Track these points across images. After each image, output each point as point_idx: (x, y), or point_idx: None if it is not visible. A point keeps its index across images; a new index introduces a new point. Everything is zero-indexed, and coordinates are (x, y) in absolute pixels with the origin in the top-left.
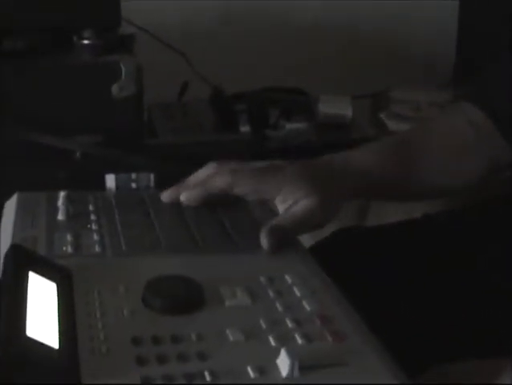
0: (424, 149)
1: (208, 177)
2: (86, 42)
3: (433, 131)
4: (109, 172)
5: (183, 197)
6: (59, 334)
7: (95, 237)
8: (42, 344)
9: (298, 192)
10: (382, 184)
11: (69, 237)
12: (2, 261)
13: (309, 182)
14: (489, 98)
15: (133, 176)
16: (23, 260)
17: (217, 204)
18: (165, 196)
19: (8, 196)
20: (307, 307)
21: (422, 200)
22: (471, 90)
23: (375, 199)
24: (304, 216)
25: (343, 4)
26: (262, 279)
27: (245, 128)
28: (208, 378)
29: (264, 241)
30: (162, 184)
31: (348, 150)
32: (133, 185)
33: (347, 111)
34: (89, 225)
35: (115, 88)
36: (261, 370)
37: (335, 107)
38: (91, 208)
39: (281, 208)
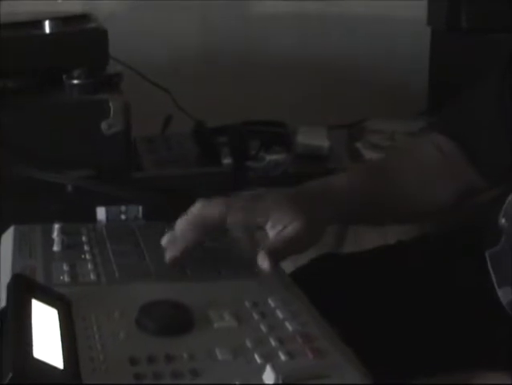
0: (397, 175)
1: (200, 214)
2: (75, 81)
3: (406, 158)
4: (99, 204)
5: (181, 242)
6: (63, 356)
7: (90, 266)
8: (48, 364)
9: (285, 218)
10: (361, 208)
11: (65, 267)
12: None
13: (295, 208)
14: (459, 128)
15: (122, 208)
16: (26, 288)
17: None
18: (168, 254)
19: (4, 229)
20: (289, 327)
21: (400, 224)
22: (441, 120)
23: (355, 223)
24: (293, 239)
25: (318, 39)
26: (247, 303)
27: (227, 160)
28: None
29: (263, 263)
30: (150, 216)
31: (332, 176)
32: (123, 217)
33: (324, 142)
34: (83, 255)
35: (104, 125)
36: None
37: (312, 138)
38: (84, 239)
39: (271, 233)
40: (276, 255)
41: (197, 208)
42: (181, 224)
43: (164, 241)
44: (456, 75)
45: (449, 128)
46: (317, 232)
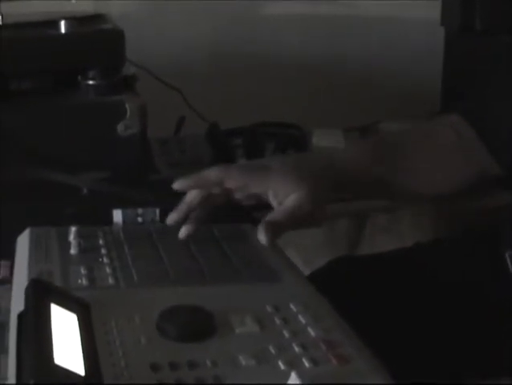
0: (411, 151)
1: (199, 174)
2: (91, 82)
3: (421, 136)
4: (116, 207)
5: (176, 186)
6: (84, 362)
7: (108, 269)
8: (69, 371)
9: (286, 187)
10: (368, 180)
11: (83, 271)
12: (13, 291)
13: (296, 176)
14: (475, 113)
15: (139, 210)
16: (44, 293)
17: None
18: (170, 216)
19: (19, 232)
20: (312, 333)
21: (408, 201)
22: (461, 104)
23: (361, 196)
24: (294, 210)
25: (331, 40)
26: (268, 308)
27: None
28: None
29: (261, 236)
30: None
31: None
32: (139, 220)
33: (340, 145)
34: (101, 259)
35: (120, 127)
36: None
37: (328, 140)
38: (101, 242)
39: (274, 202)
40: (276, 227)
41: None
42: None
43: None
44: (469, 77)
45: (465, 111)
46: (319, 201)
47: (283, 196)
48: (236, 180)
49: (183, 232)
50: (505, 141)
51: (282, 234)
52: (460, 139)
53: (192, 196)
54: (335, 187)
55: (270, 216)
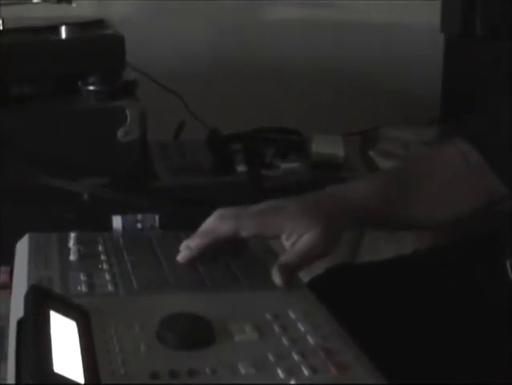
0: (421, 179)
1: (213, 225)
2: (91, 87)
3: (430, 165)
4: (115, 213)
5: (192, 245)
6: (83, 370)
7: (107, 276)
8: (69, 379)
9: (300, 228)
10: (381, 213)
11: (82, 277)
12: (13, 297)
13: (309, 218)
14: (482, 136)
15: (139, 217)
16: (43, 299)
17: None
18: (181, 254)
19: (19, 237)
20: (311, 341)
21: (419, 230)
22: (464, 127)
23: (374, 229)
24: (308, 250)
25: (331, 45)
26: (268, 315)
27: (241, 168)
28: None
29: (276, 278)
30: (167, 225)
31: (351, 181)
32: (139, 226)
33: (340, 151)
34: (100, 265)
35: (120, 132)
36: None
37: (327, 146)
38: (100, 248)
39: (286, 244)
40: (290, 269)
41: (210, 222)
42: (195, 240)
43: (181, 246)
44: (469, 83)
45: (472, 136)
46: (333, 240)
47: (297, 237)
48: (250, 231)
49: (182, 256)
50: (510, 159)
51: (295, 274)
52: (469, 166)
53: (200, 245)
54: (350, 225)
55: (283, 259)
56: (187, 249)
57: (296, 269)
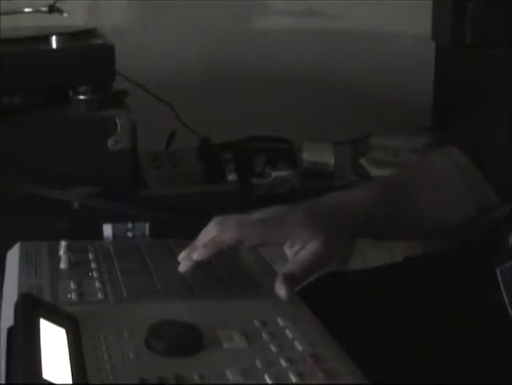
0: (415, 190)
1: (216, 235)
2: (81, 97)
3: (423, 173)
4: (106, 222)
5: (195, 257)
6: (72, 377)
7: (97, 284)
8: None
9: (303, 237)
10: (377, 223)
11: (72, 285)
12: (3, 305)
13: (312, 226)
14: (475, 146)
15: (129, 225)
16: (33, 308)
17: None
18: (182, 264)
19: (9, 246)
20: (299, 347)
21: (415, 239)
22: (456, 135)
23: (373, 238)
24: (311, 260)
25: (321, 54)
26: (256, 322)
27: (232, 177)
28: None
29: (280, 290)
30: (157, 233)
31: (350, 189)
32: (129, 234)
33: (330, 159)
34: (90, 273)
35: (110, 142)
36: None
37: (318, 155)
38: (90, 256)
39: (289, 253)
40: (294, 280)
41: (211, 231)
42: (195, 248)
43: (181, 257)
44: (460, 90)
45: (464, 144)
46: (336, 248)
47: (299, 246)
48: (255, 240)
49: (184, 267)
50: (501, 167)
51: (298, 285)
52: (461, 173)
53: (204, 256)
54: (352, 232)
55: (286, 269)
56: (189, 259)
57: (300, 280)
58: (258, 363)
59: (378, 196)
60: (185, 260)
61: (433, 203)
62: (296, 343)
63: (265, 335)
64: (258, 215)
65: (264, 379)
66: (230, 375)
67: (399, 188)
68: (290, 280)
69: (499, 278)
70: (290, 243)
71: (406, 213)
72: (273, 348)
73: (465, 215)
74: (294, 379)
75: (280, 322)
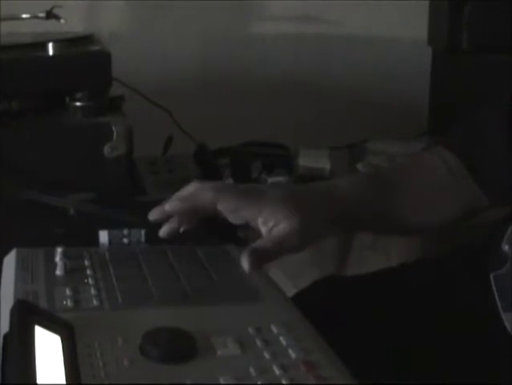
0: (400, 184)
1: (192, 194)
2: (78, 103)
3: (412, 170)
4: (102, 228)
5: (168, 207)
6: (67, 383)
7: (93, 291)
8: None
9: (278, 214)
10: (360, 215)
11: (68, 292)
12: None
13: (290, 205)
14: (466, 147)
15: (125, 231)
16: (29, 314)
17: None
18: (153, 213)
19: (6, 252)
20: (293, 355)
21: (400, 235)
22: (449, 137)
23: (353, 229)
24: (283, 238)
25: (318, 60)
26: (250, 329)
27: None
28: None
29: (245, 263)
30: (153, 239)
31: (335, 179)
32: (125, 241)
33: (326, 165)
34: (86, 280)
35: (106, 148)
36: None
37: (314, 160)
38: (86, 263)
39: (263, 229)
40: (261, 254)
41: (189, 189)
42: (172, 200)
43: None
44: (457, 96)
45: (456, 146)
46: (310, 234)
47: (274, 223)
48: (229, 203)
49: (164, 230)
50: (494, 171)
51: (267, 262)
52: (450, 173)
53: (177, 207)
54: (334, 219)
55: (256, 243)
56: (162, 213)
57: (267, 256)
58: (252, 370)
59: (364, 189)
60: (157, 214)
61: (419, 201)
62: (290, 350)
63: (259, 342)
64: (239, 186)
65: None
66: (224, 382)
67: (386, 184)
68: (258, 254)
69: (493, 284)
70: (264, 219)
71: (391, 208)
72: (266, 355)
73: (454, 214)
74: None
75: (274, 328)
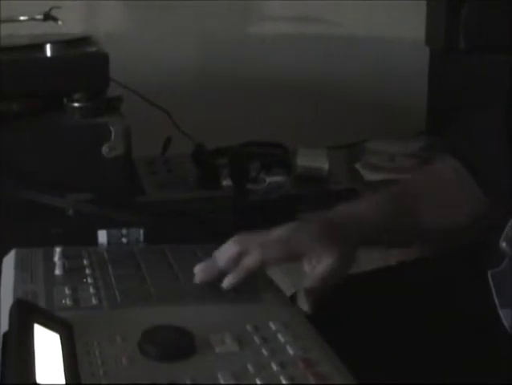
0: (418, 201)
1: (238, 256)
2: (76, 104)
3: (425, 184)
4: (101, 228)
5: (226, 286)
6: (66, 382)
7: (91, 290)
8: None
9: (319, 251)
10: (385, 234)
11: (67, 291)
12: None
13: (327, 240)
14: (468, 154)
15: (124, 231)
16: (28, 313)
17: None
18: (199, 276)
19: (5, 253)
20: (291, 351)
21: (421, 246)
22: (452, 144)
23: (382, 246)
24: (328, 273)
25: (317, 60)
26: (249, 327)
27: (226, 182)
28: None
29: (305, 306)
30: (151, 239)
31: (359, 201)
32: (124, 240)
33: (324, 164)
34: (85, 279)
35: (105, 149)
36: None
37: (312, 160)
38: (85, 262)
39: (307, 267)
40: (314, 294)
41: (230, 250)
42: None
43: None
44: (454, 95)
45: (459, 153)
46: (349, 260)
47: (316, 260)
48: (276, 262)
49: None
50: (493, 173)
51: (320, 297)
52: (461, 181)
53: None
54: (363, 243)
55: (307, 284)
56: (206, 273)
57: (320, 293)
58: (250, 367)
59: (383, 210)
60: (202, 272)
61: (433, 213)
62: (288, 347)
63: (257, 339)
64: (276, 232)
65: (256, 383)
66: (222, 379)
67: (402, 200)
68: (312, 294)
69: (490, 281)
70: (308, 259)
71: (408, 224)
72: (265, 352)
73: (464, 221)
74: (285, 383)
75: (272, 326)
